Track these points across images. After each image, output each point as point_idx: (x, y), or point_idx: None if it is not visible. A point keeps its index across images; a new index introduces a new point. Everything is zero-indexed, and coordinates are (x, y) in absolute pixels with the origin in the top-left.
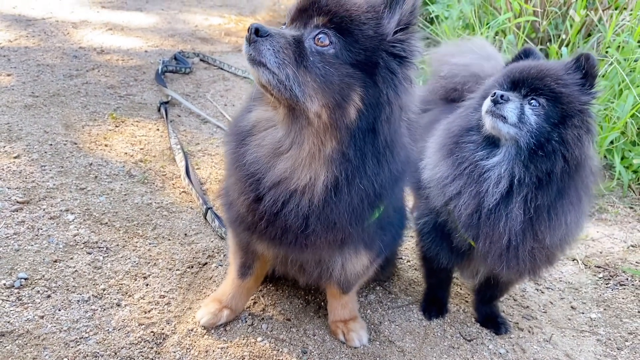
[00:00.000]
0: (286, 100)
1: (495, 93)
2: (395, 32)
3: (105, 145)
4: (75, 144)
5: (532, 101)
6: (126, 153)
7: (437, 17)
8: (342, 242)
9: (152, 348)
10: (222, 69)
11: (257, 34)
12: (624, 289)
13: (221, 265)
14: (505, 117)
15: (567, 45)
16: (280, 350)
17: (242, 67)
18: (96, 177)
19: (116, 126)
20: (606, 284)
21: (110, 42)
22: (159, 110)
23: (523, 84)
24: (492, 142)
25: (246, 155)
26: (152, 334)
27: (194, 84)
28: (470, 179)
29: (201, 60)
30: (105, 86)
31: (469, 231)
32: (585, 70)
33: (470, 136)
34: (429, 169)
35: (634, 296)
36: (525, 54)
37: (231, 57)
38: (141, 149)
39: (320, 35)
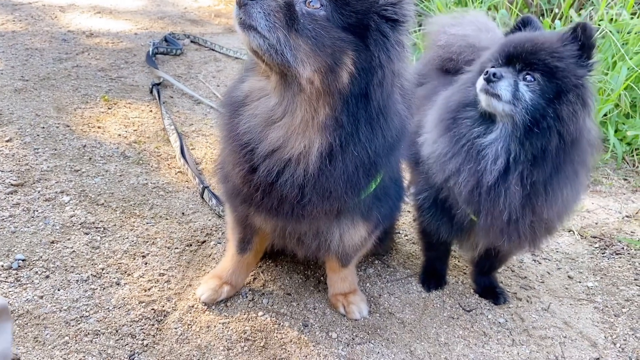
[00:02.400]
0: (278, 66)
1: (487, 71)
2: None
3: (99, 127)
4: (68, 126)
5: (526, 76)
6: (120, 135)
7: None
8: (338, 212)
9: (153, 325)
10: (213, 49)
11: None
12: (620, 257)
13: (220, 243)
14: (499, 95)
15: (560, 19)
16: (282, 324)
17: (234, 47)
18: (90, 158)
19: (108, 108)
20: (602, 254)
21: (99, 26)
22: (151, 91)
23: (518, 59)
24: (488, 118)
25: (239, 125)
26: (152, 311)
27: (185, 65)
28: (468, 156)
29: (192, 41)
30: (96, 69)
31: (470, 207)
32: (582, 42)
33: (468, 112)
34: (428, 144)
35: (629, 264)
36: (524, 23)
37: (222, 39)
38: (135, 130)
39: None
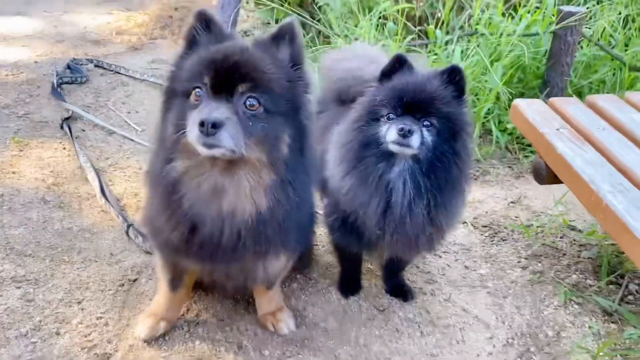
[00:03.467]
0: (231, 158)
1: (402, 128)
2: (292, 67)
3: (13, 173)
4: None
5: (425, 122)
6: (37, 178)
7: (321, 7)
8: (266, 252)
9: None
10: (119, 72)
11: (214, 127)
12: (506, 243)
13: (151, 279)
14: (411, 146)
15: (442, 23)
16: (218, 349)
17: (140, 68)
18: (10, 208)
19: (20, 150)
20: (491, 241)
21: None
22: (62, 127)
23: (416, 109)
24: (390, 154)
25: (183, 202)
26: (95, 355)
27: (92, 93)
28: (377, 190)
29: (96, 66)
30: (0, 106)
31: (376, 229)
32: (459, 84)
33: (370, 150)
34: (334, 181)
35: (513, 249)
36: (399, 62)
37: (127, 58)
38: (51, 171)
39: (249, 101)
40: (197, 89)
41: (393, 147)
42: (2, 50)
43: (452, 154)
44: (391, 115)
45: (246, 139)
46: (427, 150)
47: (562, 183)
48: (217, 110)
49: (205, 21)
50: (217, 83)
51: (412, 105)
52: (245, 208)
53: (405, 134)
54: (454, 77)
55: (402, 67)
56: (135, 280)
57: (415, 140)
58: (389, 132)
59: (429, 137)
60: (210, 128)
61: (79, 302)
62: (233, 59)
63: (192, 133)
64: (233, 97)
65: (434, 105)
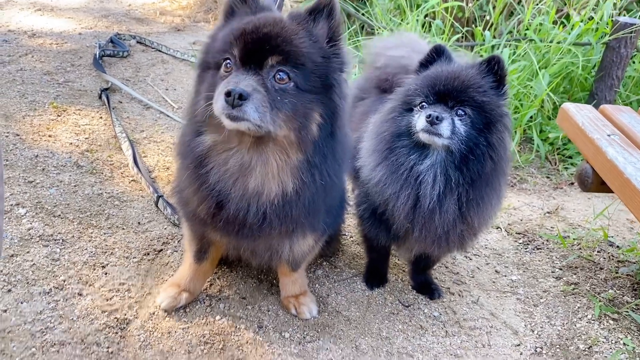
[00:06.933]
0: (257, 134)
1: (430, 115)
2: (328, 43)
3: (49, 136)
4: (18, 135)
5: (459, 111)
6: (71, 143)
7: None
8: (293, 231)
9: (117, 333)
10: (160, 51)
11: (240, 98)
12: (540, 252)
13: (176, 251)
14: (440, 134)
15: (491, 26)
16: (238, 326)
17: (181, 48)
18: (44, 169)
19: (58, 115)
20: (525, 249)
21: (41, 25)
22: (100, 97)
23: (449, 97)
24: (422, 146)
25: (210, 176)
26: (115, 320)
27: (132, 68)
28: (406, 182)
29: (138, 42)
30: (42, 72)
31: (406, 222)
32: (498, 74)
33: (402, 141)
34: (366, 169)
35: (548, 258)
36: (437, 52)
37: (168, 38)
38: (86, 138)
39: (278, 74)
40: (227, 61)
41: (423, 137)
42: (48, 21)
43: (487, 146)
44: (424, 104)
45: (273, 115)
46: (460, 141)
47: (608, 192)
48: (244, 82)
49: None
50: (246, 54)
51: (444, 93)
52: (271, 188)
53: (433, 121)
54: (492, 66)
55: (440, 57)
56: (160, 250)
57: (444, 128)
58: (419, 120)
59: (461, 127)
60: (236, 99)
61: (103, 267)
62: (263, 31)
63: (218, 104)
64: (262, 70)
65: (467, 93)
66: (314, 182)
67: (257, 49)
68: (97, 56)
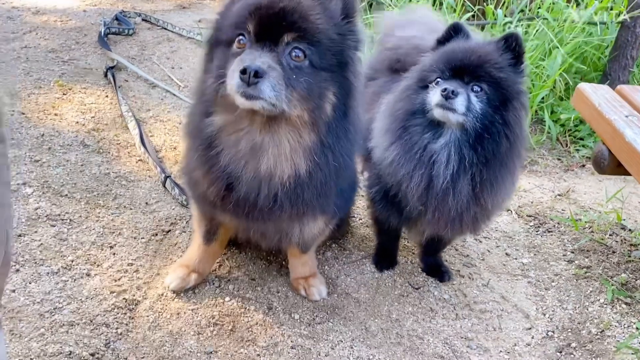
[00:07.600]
0: (271, 114)
1: (446, 89)
2: (344, 19)
3: (55, 115)
4: (23, 114)
5: (474, 87)
6: (77, 122)
7: None
8: (304, 214)
9: (125, 314)
10: (165, 29)
11: (256, 76)
12: (551, 235)
13: (184, 232)
14: (455, 110)
15: (503, 4)
16: (248, 308)
17: (186, 26)
18: (50, 148)
19: (63, 94)
20: (536, 232)
21: (45, 1)
22: (105, 75)
23: (465, 72)
24: (437, 124)
25: (220, 158)
26: (124, 300)
27: (138, 46)
28: (420, 162)
29: (143, 20)
30: (46, 50)
31: (419, 203)
32: (516, 51)
33: (416, 119)
34: (379, 150)
35: (559, 241)
36: (455, 30)
37: (174, 16)
38: (92, 117)
39: (294, 52)
40: (241, 37)
41: (437, 113)
42: None
43: (502, 124)
44: (439, 80)
45: (288, 93)
46: (475, 118)
47: (625, 174)
48: (260, 59)
49: None
50: (261, 30)
51: (460, 68)
52: (284, 170)
53: (448, 95)
54: (510, 43)
55: (457, 35)
56: (168, 231)
57: (459, 103)
58: (434, 95)
59: (477, 104)
60: (252, 77)
61: (111, 247)
62: (280, 6)
63: (232, 82)
64: (277, 47)
65: (483, 68)
66: (326, 163)
67: (273, 24)
68: (102, 34)
